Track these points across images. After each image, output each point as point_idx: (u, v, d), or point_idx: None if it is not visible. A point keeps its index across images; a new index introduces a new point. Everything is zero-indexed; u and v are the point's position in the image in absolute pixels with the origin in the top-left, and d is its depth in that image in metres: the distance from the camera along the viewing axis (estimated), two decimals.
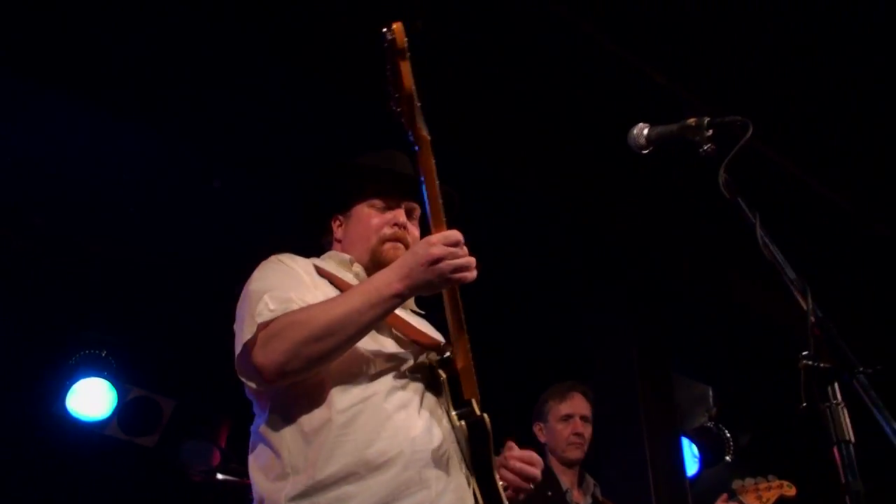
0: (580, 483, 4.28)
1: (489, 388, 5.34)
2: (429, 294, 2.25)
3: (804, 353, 1.99)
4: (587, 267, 5.61)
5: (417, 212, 2.64)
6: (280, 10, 4.14)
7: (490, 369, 5.90)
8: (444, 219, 2.23)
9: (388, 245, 2.54)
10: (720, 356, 6.55)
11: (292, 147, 4.73)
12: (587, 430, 4.30)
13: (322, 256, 2.65)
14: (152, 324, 5.93)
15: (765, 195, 5.41)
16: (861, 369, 1.94)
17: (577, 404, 4.33)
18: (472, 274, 2.18)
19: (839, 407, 1.94)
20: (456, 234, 2.18)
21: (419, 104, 2.19)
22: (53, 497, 5.71)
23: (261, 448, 2.33)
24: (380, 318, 2.23)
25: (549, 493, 4.07)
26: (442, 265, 2.13)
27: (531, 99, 4.75)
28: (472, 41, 4.39)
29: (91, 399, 5.80)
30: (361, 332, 2.21)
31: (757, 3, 4.31)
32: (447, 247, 2.14)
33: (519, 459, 2.40)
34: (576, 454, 4.24)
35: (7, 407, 5.56)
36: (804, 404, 1.96)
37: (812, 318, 2.02)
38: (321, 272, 2.48)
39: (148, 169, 4.91)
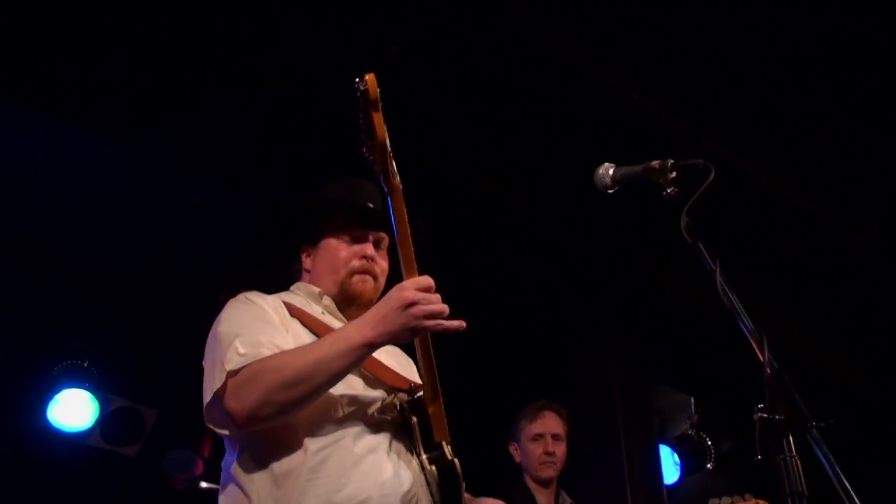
0: (556, 501, 4.30)
1: (467, 405, 5.38)
2: (403, 342, 2.27)
3: (759, 405, 2.01)
4: (564, 278, 5.62)
5: (386, 241, 2.66)
6: (259, 29, 4.15)
7: (467, 385, 5.95)
8: (416, 265, 2.25)
9: (356, 278, 2.57)
10: (701, 364, 6.58)
11: (271, 161, 4.74)
12: (559, 449, 4.32)
13: (291, 288, 2.67)
14: (133, 334, 5.94)
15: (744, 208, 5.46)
16: (814, 423, 1.96)
17: (548, 423, 4.36)
18: (446, 323, 2.19)
19: (793, 459, 1.97)
20: (427, 280, 2.19)
21: (391, 152, 2.22)
22: None
23: (231, 488, 2.34)
24: (351, 367, 2.24)
25: None
26: (415, 310, 2.14)
27: (502, 111, 4.76)
28: (451, 62, 4.40)
29: (73, 410, 5.80)
30: (333, 380, 2.23)
31: (730, 14, 4.32)
32: (420, 292, 2.16)
33: None
34: (548, 473, 4.27)
35: None
36: (759, 456, 1.98)
37: (768, 370, 2.04)
38: (291, 310, 2.49)
39: (128, 182, 4.91)
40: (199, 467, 6.16)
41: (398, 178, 2.25)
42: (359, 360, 2.24)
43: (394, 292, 2.19)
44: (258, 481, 2.27)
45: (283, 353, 2.25)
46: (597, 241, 5.43)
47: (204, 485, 6.15)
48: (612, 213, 5.38)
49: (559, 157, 5.01)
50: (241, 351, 2.24)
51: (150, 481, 6.21)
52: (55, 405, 5.76)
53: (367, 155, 2.23)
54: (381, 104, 2.17)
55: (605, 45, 4.42)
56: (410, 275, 2.23)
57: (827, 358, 6.69)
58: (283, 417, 2.23)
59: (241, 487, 2.29)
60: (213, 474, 5.86)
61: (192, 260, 5.42)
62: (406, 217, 2.26)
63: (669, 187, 2.43)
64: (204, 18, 4.09)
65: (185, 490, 6.20)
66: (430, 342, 2.32)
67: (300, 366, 2.18)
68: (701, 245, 2.29)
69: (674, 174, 2.44)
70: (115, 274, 5.61)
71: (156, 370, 5.93)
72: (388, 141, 2.19)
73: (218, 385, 2.23)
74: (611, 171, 2.59)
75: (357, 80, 2.16)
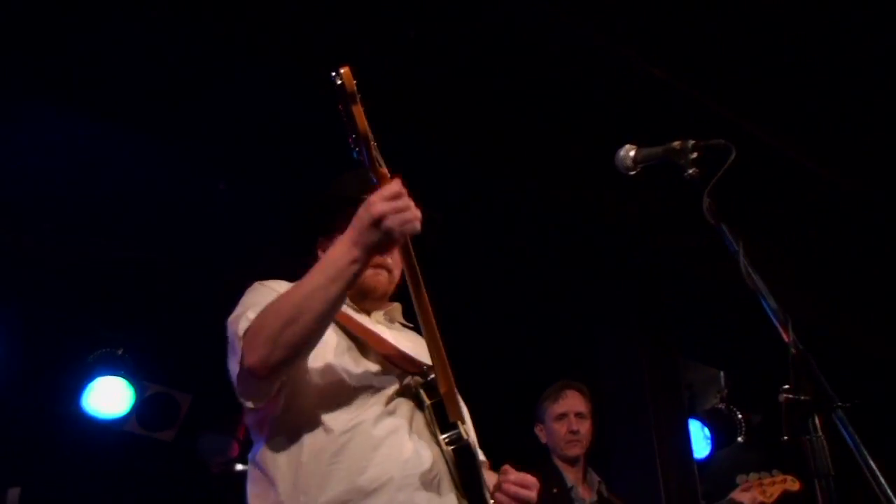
0: (585, 479, 4.33)
1: (495, 386, 5.40)
2: (385, 252, 2.28)
3: (785, 386, 2.02)
4: (591, 255, 5.62)
5: None
6: (280, 18, 4.17)
7: (495, 366, 5.97)
8: (412, 248, 2.29)
9: (370, 272, 2.54)
10: (730, 338, 6.56)
11: (295, 148, 4.77)
12: (584, 426, 4.34)
13: None
14: (167, 321, 6.01)
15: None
16: (839, 403, 1.97)
17: (570, 402, 4.38)
18: (418, 224, 2.17)
19: (819, 439, 1.98)
20: (395, 187, 2.17)
21: (375, 144, 2.23)
22: (78, 493, 5.86)
23: (257, 477, 2.39)
24: (346, 288, 2.22)
25: (555, 491, 4.14)
26: (386, 223, 2.12)
27: (525, 92, 4.75)
28: (469, 44, 4.39)
29: (109, 397, 5.89)
30: (333, 307, 2.22)
31: None
32: (388, 201, 2.14)
33: (514, 483, 2.44)
34: (574, 451, 4.29)
35: (27, 407, 5.68)
36: (785, 437, 2.00)
37: (793, 351, 2.05)
38: None
39: (157, 173, 4.97)
40: (235, 450, 6.25)
41: (384, 167, 2.26)
42: (351, 279, 2.21)
43: (362, 210, 2.17)
44: (281, 468, 2.31)
45: (280, 295, 2.26)
46: (623, 218, 5.42)
47: (239, 467, 6.24)
48: (639, 187, 5.37)
49: (583, 136, 5.00)
50: (250, 316, 2.27)
51: (187, 465, 6.31)
52: (91, 393, 5.86)
53: (352, 146, 2.24)
54: (359, 96, 2.17)
55: (625, 22, 4.39)
56: (408, 263, 2.27)
57: (856, 335, 6.66)
58: (298, 358, 2.25)
59: (266, 475, 2.34)
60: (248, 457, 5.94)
61: (221, 248, 5.48)
62: None
63: (691, 168, 2.42)
64: (227, 9, 4.12)
65: (220, 473, 6.29)
66: (435, 322, 2.35)
67: (296, 299, 2.19)
68: (724, 226, 2.29)
69: (695, 155, 2.43)
70: (145, 263, 5.69)
71: (189, 356, 6.00)
72: (369, 132, 2.19)
73: (238, 354, 2.26)
74: (632, 153, 2.58)
75: (333, 73, 2.17)
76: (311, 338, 2.23)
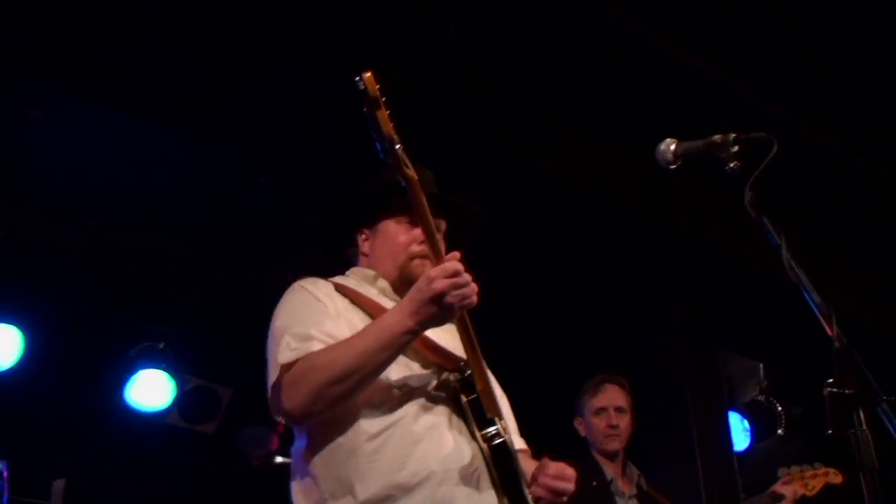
0: (624, 472, 4.33)
1: (535, 380, 5.41)
2: (441, 325, 2.32)
3: (829, 380, 2.01)
4: (631, 248, 5.60)
5: (444, 226, 2.68)
6: (318, 16, 4.19)
7: (535, 359, 5.97)
8: (443, 252, 2.33)
9: (416, 262, 2.60)
10: (770, 330, 6.51)
11: (335, 142, 4.80)
12: (623, 421, 4.33)
13: (346, 273, 2.73)
14: (207, 316, 6.08)
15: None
16: (884, 397, 1.97)
17: (610, 396, 4.36)
18: (475, 299, 2.24)
19: (864, 433, 1.97)
20: (454, 265, 2.22)
21: (401, 146, 2.27)
22: (121, 484, 5.94)
23: (300, 472, 2.44)
24: (396, 355, 2.30)
25: (594, 484, 4.14)
26: (447, 299, 2.19)
27: (563, 86, 4.75)
28: (508, 39, 4.40)
29: (151, 390, 5.97)
30: (380, 370, 2.30)
31: None
32: (448, 279, 2.20)
33: (551, 476, 2.45)
34: (613, 445, 4.28)
35: (71, 400, 5.77)
36: (830, 431, 1.99)
37: (837, 344, 2.04)
38: (345, 292, 2.55)
39: (199, 167, 5.03)
40: (275, 443, 6.31)
41: (411, 168, 2.30)
42: (402, 347, 2.30)
43: (423, 284, 2.22)
44: (323, 465, 2.35)
45: (330, 347, 2.32)
46: (663, 211, 5.40)
47: (279, 459, 6.30)
48: (677, 177, 5.34)
49: (624, 130, 4.98)
50: (293, 345, 2.32)
51: (228, 457, 6.38)
52: (133, 386, 5.93)
53: (379, 149, 2.27)
54: (383, 100, 2.22)
55: (666, 13, 4.37)
56: (439, 261, 2.28)
57: None
58: (336, 409, 2.31)
59: (308, 471, 2.39)
60: (288, 449, 5.95)
61: (260, 241, 5.53)
62: (426, 206, 2.32)
63: (732, 162, 2.41)
64: (267, 8, 4.15)
65: (261, 465, 6.36)
66: (470, 322, 2.37)
67: (347, 360, 2.25)
68: (766, 220, 2.28)
69: (736, 148, 2.43)
70: (186, 258, 5.75)
71: (229, 350, 6.06)
72: (395, 134, 2.24)
73: (273, 379, 2.33)
74: (672, 147, 2.58)
75: (357, 78, 2.20)
76: (356, 394, 2.30)
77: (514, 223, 5.15)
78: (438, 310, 2.20)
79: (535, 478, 2.44)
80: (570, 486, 2.44)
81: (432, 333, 2.49)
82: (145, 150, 4.84)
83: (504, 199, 4.93)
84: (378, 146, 2.26)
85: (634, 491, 4.27)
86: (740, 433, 6.77)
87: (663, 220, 5.43)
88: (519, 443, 2.63)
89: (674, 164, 2.59)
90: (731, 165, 2.41)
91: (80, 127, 4.69)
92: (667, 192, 5.34)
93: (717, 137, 2.46)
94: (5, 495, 4.16)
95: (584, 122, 4.93)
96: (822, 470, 4.27)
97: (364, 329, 2.35)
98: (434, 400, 2.41)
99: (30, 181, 4.97)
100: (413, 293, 2.25)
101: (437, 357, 2.48)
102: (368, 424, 2.33)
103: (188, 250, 5.68)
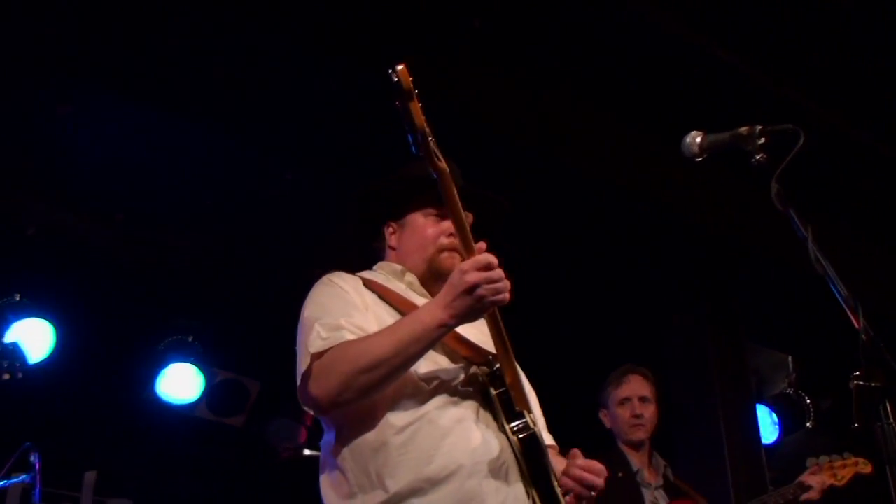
0: (650, 463, 4.32)
1: (561, 372, 5.40)
2: (474, 320, 2.32)
3: (856, 373, 2.01)
4: (658, 239, 5.59)
5: (471, 219, 2.65)
6: (343, 11, 4.21)
7: (562, 351, 5.96)
8: (474, 245, 2.29)
9: (445, 254, 2.59)
10: (797, 322, 6.48)
11: (362, 137, 4.82)
12: (647, 411, 4.32)
13: (374, 268, 2.73)
14: (235, 310, 6.12)
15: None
16: None
17: (633, 387, 4.35)
18: (508, 295, 2.23)
19: (891, 426, 1.97)
20: (487, 258, 2.21)
21: (433, 139, 2.26)
22: (151, 476, 6.02)
23: (329, 465, 2.44)
24: (427, 349, 2.30)
25: (620, 475, 4.13)
26: (479, 291, 2.18)
27: (591, 80, 4.74)
28: (534, 34, 4.39)
29: (180, 383, 6.03)
30: (410, 362, 2.29)
31: None
32: (480, 272, 2.19)
33: (580, 468, 2.44)
34: (638, 435, 4.27)
35: (102, 393, 5.84)
36: (856, 424, 1.98)
37: (864, 337, 2.03)
38: (373, 287, 2.56)
39: (226, 163, 5.08)
40: (303, 436, 6.35)
41: (443, 160, 2.29)
42: (434, 341, 2.30)
43: (456, 276, 2.22)
44: (352, 459, 2.35)
45: (362, 339, 2.32)
46: (692, 203, 5.38)
47: (307, 452, 6.33)
48: (703, 170, 5.33)
49: (652, 122, 4.97)
50: (323, 335, 2.33)
51: (256, 450, 6.43)
52: (163, 379, 6.00)
53: (410, 141, 2.28)
54: (415, 92, 2.21)
55: (694, 5, 4.36)
56: (470, 253, 2.27)
57: None
58: (364, 400, 2.31)
59: (337, 465, 2.39)
60: (316, 442, 5.99)
61: (288, 236, 5.56)
62: (457, 199, 2.30)
63: (758, 154, 2.40)
64: (293, 3, 4.18)
65: (289, 458, 6.40)
66: (500, 315, 2.36)
67: (378, 351, 2.25)
68: (792, 212, 2.27)
69: (762, 140, 2.41)
70: (215, 253, 5.80)
71: (258, 344, 6.11)
72: (427, 127, 2.23)
73: (304, 367, 2.33)
74: (698, 139, 2.56)
75: (390, 70, 2.20)
76: (385, 385, 2.30)
77: (542, 215, 5.15)
78: (471, 302, 2.20)
79: (565, 472, 2.44)
80: (599, 481, 2.43)
81: (464, 329, 2.49)
82: (175, 146, 4.88)
83: (530, 191, 4.93)
84: (409, 138, 2.26)
85: (661, 482, 4.26)
86: (769, 426, 6.74)
87: (690, 213, 5.42)
88: (547, 438, 2.63)
89: (700, 157, 2.58)
90: (758, 158, 2.40)
91: (110, 123, 4.75)
92: (694, 186, 5.32)
93: (743, 129, 2.45)
94: (37, 486, 4.22)
95: (612, 113, 4.92)
96: (852, 460, 4.23)
97: (398, 321, 2.36)
98: (462, 394, 2.41)
99: (60, 177, 5.03)
100: (446, 287, 2.25)
101: (466, 350, 2.48)
102: (396, 418, 2.33)
103: (216, 245, 5.73)
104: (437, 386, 2.39)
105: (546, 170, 4.96)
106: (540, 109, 4.71)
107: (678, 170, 5.17)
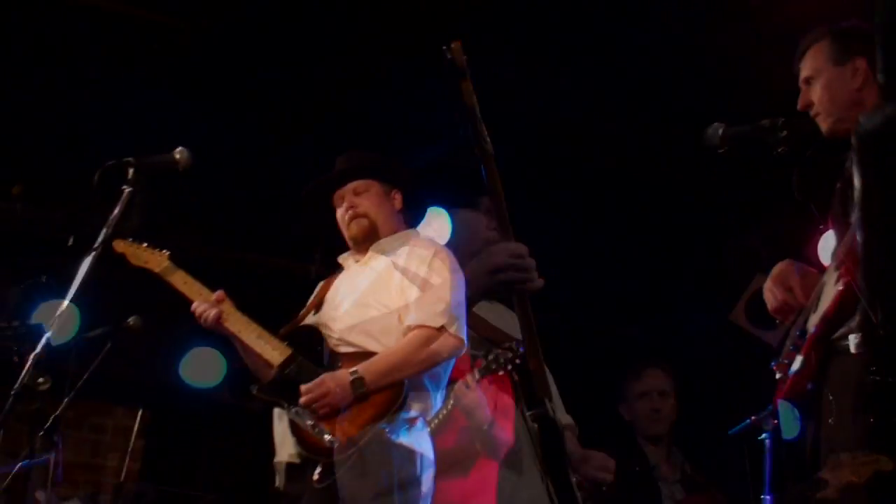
0: (669, 457, 4.31)
1: (583, 364, 5.36)
2: (492, 299, 2.33)
3: (872, 368, 1.99)
4: (679, 234, 5.57)
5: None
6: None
7: (584, 345, 5.93)
8: (511, 228, 2.28)
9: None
10: None
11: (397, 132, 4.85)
12: (666, 404, 4.32)
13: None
14: (257, 294, 6.14)
15: None
16: None
17: (652, 380, 4.36)
18: (536, 283, 2.24)
19: None
20: (520, 247, 2.24)
21: (480, 119, 2.25)
22: (172, 458, 6.08)
23: None
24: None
25: (637, 469, 4.13)
26: (501, 276, 2.22)
27: (622, 73, 4.70)
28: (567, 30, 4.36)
29: (203, 367, 6.07)
30: None
31: None
32: (510, 257, 2.21)
33: (595, 467, 2.48)
34: (656, 429, 4.28)
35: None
36: (872, 419, 1.97)
37: (882, 332, 2.02)
38: None
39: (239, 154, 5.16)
40: None
41: (489, 143, 2.28)
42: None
43: (485, 255, 2.27)
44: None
45: None
46: (712, 197, 5.36)
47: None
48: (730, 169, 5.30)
49: (677, 114, 4.92)
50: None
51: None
52: (186, 363, 6.04)
53: (459, 122, 2.27)
54: (468, 72, 2.20)
55: None
56: (506, 237, 2.28)
57: None
58: None
59: None
60: None
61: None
62: (499, 181, 2.28)
63: (780, 146, 2.40)
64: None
65: None
66: (528, 300, 2.37)
67: None
68: (812, 204, 2.27)
69: (784, 133, 2.41)
70: (234, 237, 5.85)
71: (279, 328, 6.13)
72: (476, 107, 2.21)
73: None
74: (720, 131, 2.57)
75: (444, 47, 2.20)
76: None
77: (569, 209, 5.16)
78: (490, 282, 2.23)
79: (576, 469, 2.46)
80: (609, 478, 2.47)
81: (490, 315, 2.51)
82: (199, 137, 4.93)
83: (558, 184, 4.93)
84: (457, 119, 2.26)
85: (678, 476, 4.26)
86: (790, 421, 6.68)
87: (713, 207, 5.39)
88: (566, 418, 2.66)
89: (721, 149, 2.58)
90: (779, 150, 2.40)
91: None
92: (717, 181, 5.28)
93: (765, 122, 2.45)
94: (59, 467, 4.26)
95: (635, 106, 4.89)
96: (873, 457, 4.20)
97: None
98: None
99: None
100: (475, 261, 2.31)
101: (491, 336, 2.51)
102: (428, 398, 2.49)
103: (237, 229, 5.77)
104: (461, 369, 2.44)
105: (572, 162, 4.96)
106: (575, 105, 4.70)
107: (703, 166, 5.14)
